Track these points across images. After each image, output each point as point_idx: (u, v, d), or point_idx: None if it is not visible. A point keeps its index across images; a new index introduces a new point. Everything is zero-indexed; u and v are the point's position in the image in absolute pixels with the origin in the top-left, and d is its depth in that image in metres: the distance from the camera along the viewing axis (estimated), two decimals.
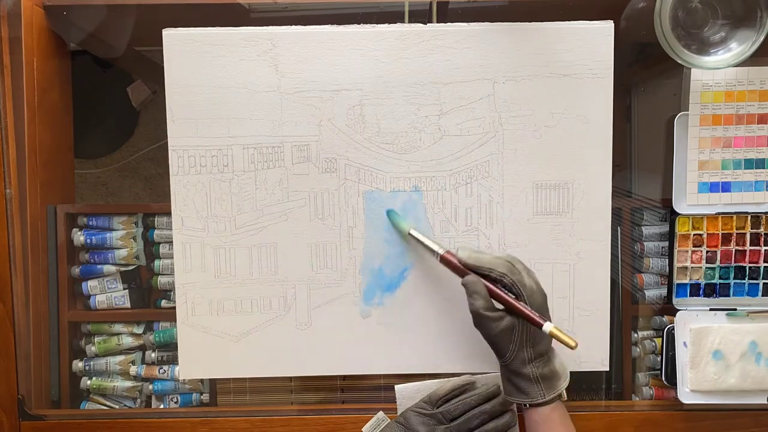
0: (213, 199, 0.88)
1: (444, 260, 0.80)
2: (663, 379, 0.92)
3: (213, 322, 0.89)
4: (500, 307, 0.77)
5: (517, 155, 0.87)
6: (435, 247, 0.81)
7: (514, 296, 0.75)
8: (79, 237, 0.97)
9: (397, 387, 0.87)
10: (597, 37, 0.85)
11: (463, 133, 0.87)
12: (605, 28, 0.85)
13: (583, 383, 0.95)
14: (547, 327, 0.73)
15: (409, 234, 0.85)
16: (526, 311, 0.74)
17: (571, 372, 0.87)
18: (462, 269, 0.78)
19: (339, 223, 0.88)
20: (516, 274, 0.75)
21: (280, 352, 0.89)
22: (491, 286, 0.76)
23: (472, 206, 0.88)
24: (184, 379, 0.97)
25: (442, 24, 0.86)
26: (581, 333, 0.88)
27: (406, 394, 0.86)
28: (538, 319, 0.74)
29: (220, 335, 0.89)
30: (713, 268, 0.91)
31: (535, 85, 0.86)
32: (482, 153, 0.87)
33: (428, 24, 0.86)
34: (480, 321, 0.76)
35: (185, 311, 0.89)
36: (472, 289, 0.76)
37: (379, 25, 0.86)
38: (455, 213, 0.88)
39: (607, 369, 0.89)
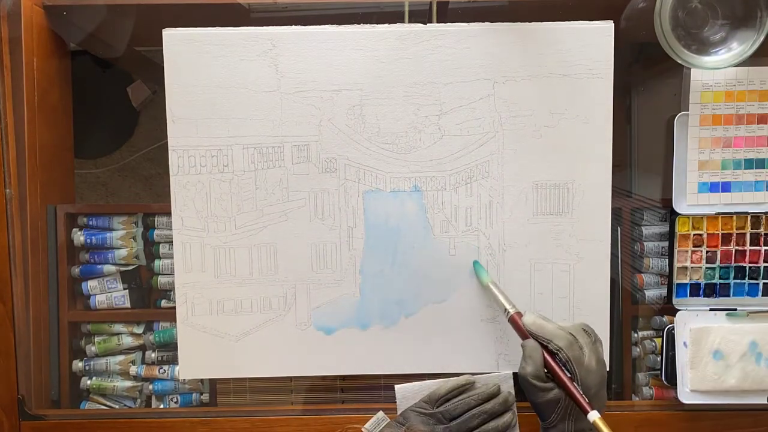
0: (213, 199, 0.88)
1: (512, 320, 0.80)
2: (663, 379, 0.92)
3: (213, 322, 0.89)
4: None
5: (517, 155, 0.87)
6: (507, 306, 0.81)
7: (568, 374, 0.73)
8: (79, 237, 0.97)
9: (397, 387, 0.87)
10: (597, 37, 0.85)
11: (463, 133, 0.87)
12: (605, 28, 0.85)
13: None
14: (592, 416, 0.70)
15: (488, 285, 0.85)
16: (576, 394, 0.72)
17: None
18: (525, 333, 0.78)
19: (339, 223, 0.88)
20: (574, 350, 0.73)
21: (280, 352, 0.89)
22: (547, 356, 0.75)
23: (472, 206, 0.88)
24: (184, 379, 0.97)
25: (442, 24, 0.86)
26: None
27: (406, 394, 0.86)
28: (585, 405, 0.71)
29: (220, 335, 0.89)
30: (713, 268, 0.91)
31: (535, 85, 0.86)
32: (482, 153, 0.87)
33: (428, 24, 0.86)
34: (526, 387, 0.75)
35: (185, 311, 0.89)
36: (525, 353, 0.75)
37: (379, 25, 0.86)
38: (455, 213, 0.88)
39: (607, 369, 0.89)
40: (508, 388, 0.86)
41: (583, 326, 0.77)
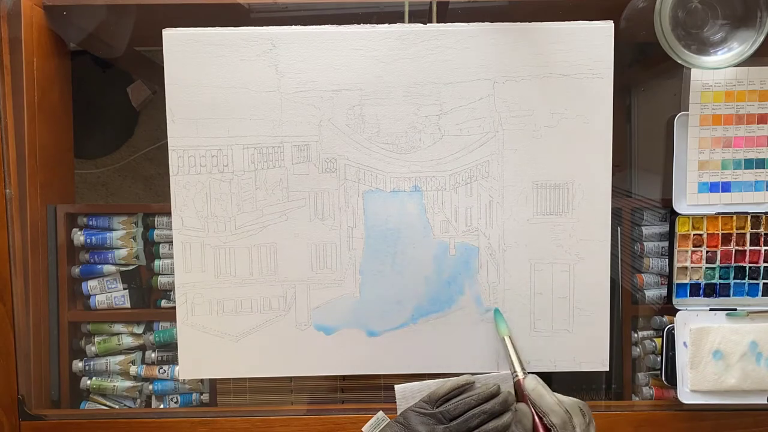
0: (213, 199, 0.88)
1: (517, 384, 0.81)
2: (663, 379, 0.92)
3: (213, 322, 0.89)
4: None
5: (517, 155, 0.87)
6: (517, 369, 0.82)
7: None
8: (79, 237, 0.96)
9: (396, 387, 0.87)
10: (597, 37, 0.85)
11: (463, 133, 0.87)
12: (605, 28, 0.85)
13: (583, 383, 0.95)
14: None
15: (504, 339, 0.86)
16: None
17: (571, 372, 0.88)
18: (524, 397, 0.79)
19: (339, 223, 0.88)
20: (567, 430, 0.74)
21: (280, 352, 0.89)
22: (541, 429, 0.76)
23: (472, 206, 0.88)
24: (184, 379, 0.97)
25: (442, 24, 0.86)
26: (581, 333, 0.89)
27: (406, 394, 0.86)
28: None
29: (220, 335, 0.89)
30: (713, 268, 0.91)
31: (535, 85, 0.86)
32: (482, 153, 0.87)
33: (428, 24, 0.86)
34: None
35: (185, 311, 0.89)
36: (516, 418, 0.77)
37: (379, 25, 0.86)
38: (455, 213, 0.88)
39: (607, 369, 0.89)
40: (508, 387, 0.86)
41: (580, 405, 0.78)
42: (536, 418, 0.76)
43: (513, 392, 0.85)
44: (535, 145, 0.87)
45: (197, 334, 0.89)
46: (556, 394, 0.78)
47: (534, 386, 0.78)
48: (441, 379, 0.86)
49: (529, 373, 0.81)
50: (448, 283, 0.88)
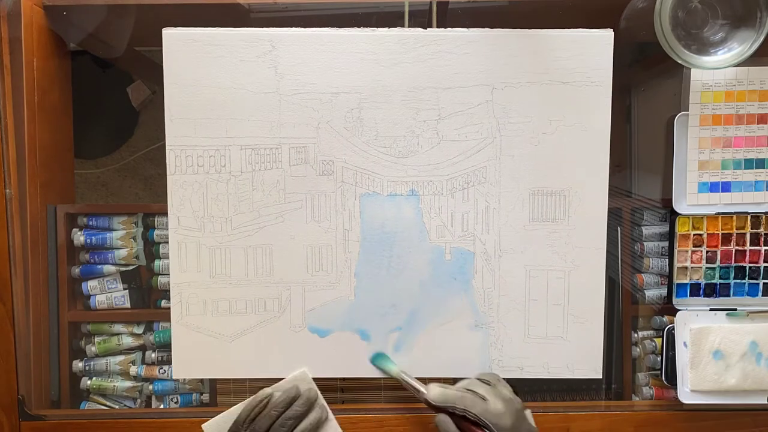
0: (210, 200, 0.88)
1: (427, 402, 0.80)
2: (663, 379, 0.92)
3: (207, 323, 0.89)
4: None
5: (515, 161, 0.87)
6: (420, 389, 0.81)
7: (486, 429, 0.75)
8: (79, 237, 0.97)
9: (204, 425, 0.85)
10: (596, 46, 0.85)
11: (461, 139, 0.86)
12: (605, 37, 0.85)
13: (583, 383, 0.95)
14: None
15: (399, 376, 0.85)
16: None
17: (567, 377, 0.88)
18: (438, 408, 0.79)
19: (335, 226, 0.88)
20: (477, 406, 0.75)
21: (274, 354, 0.89)
22: (461, 422, 0.76)
23: (469, 211, 0.87)
24: (183, 379, 0.97)
25: (442, 29, 0.86)
26: (575, 340, 0.89)
27: (216, 428, 0.85)
28: None
29: (214, 335, 0.89)
30: (713, 268, 0.90)
31: (534, 91, 0.86)
32: (480, 159, 0.87)
33: (428, 29, 0.86)
34: None
35: (180, 311, 0.89)
36: (440, 430, 0.77)
37: (378, 28, 0.85)
38: (451, 218, 0.87)
39: (600, 377, 0.89)
40: (308, 384, 0.85)
41: (478, 377, 0.80)
42: (451, 416, 0.77)
43: (314, 387, 0.85)
44: (533, 152, 0.87)
45: (191, 333, 0.89)
46: (458, 383, 0.80)
47: (436, 393, 0.78)
48: (240, 403, 0.85)
49: (429, 383, 0.80)
50: (443, 288, 0.88)
